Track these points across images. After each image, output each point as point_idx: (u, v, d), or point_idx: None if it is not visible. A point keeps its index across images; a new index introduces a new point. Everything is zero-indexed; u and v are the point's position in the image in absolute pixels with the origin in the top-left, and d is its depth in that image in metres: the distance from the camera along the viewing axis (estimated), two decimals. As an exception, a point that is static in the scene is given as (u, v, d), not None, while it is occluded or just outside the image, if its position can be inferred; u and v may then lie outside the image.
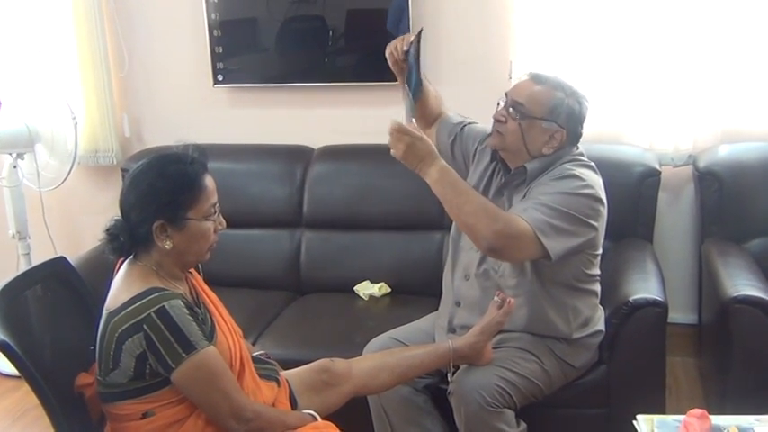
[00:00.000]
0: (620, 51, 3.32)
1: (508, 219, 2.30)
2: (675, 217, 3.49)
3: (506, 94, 2.44)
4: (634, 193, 3.13)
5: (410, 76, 2.43)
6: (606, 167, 2.55)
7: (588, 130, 2.50)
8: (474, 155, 2.63)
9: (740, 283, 2.65)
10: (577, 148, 2.47)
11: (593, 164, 2.46)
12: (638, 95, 3.35)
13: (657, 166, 3.19)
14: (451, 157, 2.67)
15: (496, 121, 2.45)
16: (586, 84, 3.14)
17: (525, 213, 2.31)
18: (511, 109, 2.40)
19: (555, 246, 2.29)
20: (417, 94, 2.47)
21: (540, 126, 2.38)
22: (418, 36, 2.43)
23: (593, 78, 3.32)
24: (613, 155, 3.19)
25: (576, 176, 2.36)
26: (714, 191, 3.15)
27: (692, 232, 3.47)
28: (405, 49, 2.41)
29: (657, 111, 3.35)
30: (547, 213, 2.29)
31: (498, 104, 2.45)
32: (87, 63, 3.79)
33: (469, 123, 2.67)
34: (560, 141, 2.39)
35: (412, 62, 2.42)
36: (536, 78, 2.42)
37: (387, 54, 2.46)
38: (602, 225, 2.41)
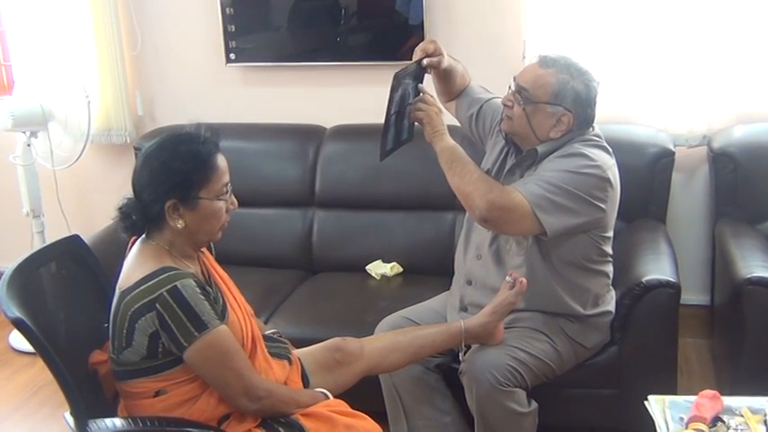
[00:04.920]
0: (635, 31, 3.29)
1: (504, 190, 2.32)
2: (689, 198, 3.48)
3: (514, 78, 2.43)
4: (648, 174, 3.12)
5: (386, 130, 2.38)
6: (620, 148, 2.54)
7: (602, 110, 2.48)
8: (492, 131, 2.62)
9: (753, 265, 2.64)
10: (593, 129, 2.45)
11: (606, 145, 2.44)
12: (652, 76, 3.32)
13: (671, 147, 3.17)
14: (469, 131, 2.69)
15: (504, 105, 2.44)
16: (600, 64, 3.13)
17: (524, 187, 2.31)
18: (517, 94, 2.39)
19: (552, 222, 2.29)
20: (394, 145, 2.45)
21: (546, 110, 2.37)
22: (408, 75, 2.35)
23: (607, 58, 3.30)
24: (627, 135, 3.18)
25: (584, 155, 2.35)
26: (728, 172, 3.13)
27: (705, 213, 3.46)
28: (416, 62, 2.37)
29: (672, 91, 3.32)
30: (548, 189, 2.29)
31: (509, 88, 2.44)
32: (100, 42, 3.78)
33: (490, 99, 2.67)
34: (568, 125, 2.38)
35: (391, 115, 2.35)
36: (543, 62, 2.39)
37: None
38: (611, 206, 2.40)
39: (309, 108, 3.74)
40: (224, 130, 2.12)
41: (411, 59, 2.40)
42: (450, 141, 2.40)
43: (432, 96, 2.45)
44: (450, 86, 2.66)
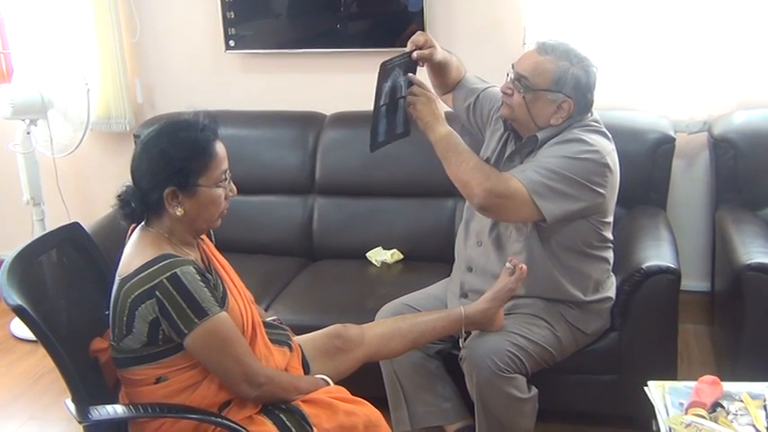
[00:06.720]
0: (636, 17, 3.28)
1: (501, 177, 2.31)
2: (689, 184, 3.48)
3: (513, 66, 2.42)
4: (648, 160, 3.11)
5: (376, 120, 2.36)
6: (620, 134, 2.54)
7: (603, 96, 2.47)
8: (490, 119, 2.61)
9: (753, 251, 2.64)
10: (591, 114, 2.44)
11: (605, 130, 2.43)
12: (653, 62, 3.32)
13: (672, 133, 3.16)
14: (467, 122, 2.68)
15: (504, 93, 2.43)
16: (601, 50, 3.12)
17: (522, 174, 2.31)
18: (516, 81, 2.38)
19: (551, 208, 2.29)
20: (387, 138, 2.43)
21: (546, 98, 2.36)
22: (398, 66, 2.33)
23: (607, 45, 3.29)
24: (628, 122, 3.17)
25: (582, 141, 2.34)
26: (729, 158, 3.13)
27: (705, 199, 3.46)
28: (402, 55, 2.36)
29: (673, 77, 3.32)
30: (546, 175, 2.29)
31: (507, 75, 2.43)
32: (100, 29, 3.77)
33: (486, 89, 2.66)
34: (569, 111, 2.37)
35: (381, 106, 2.33)
36: (541, 48, 2.38)
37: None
38: (610, 191, 2.40)
39: (309, 95, 3.73)
40: (223, 117, 2.12)
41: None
42: (443, 130, 2.37)
43: (422, 85, 2.40)
44: (446, 79, 2.64)
